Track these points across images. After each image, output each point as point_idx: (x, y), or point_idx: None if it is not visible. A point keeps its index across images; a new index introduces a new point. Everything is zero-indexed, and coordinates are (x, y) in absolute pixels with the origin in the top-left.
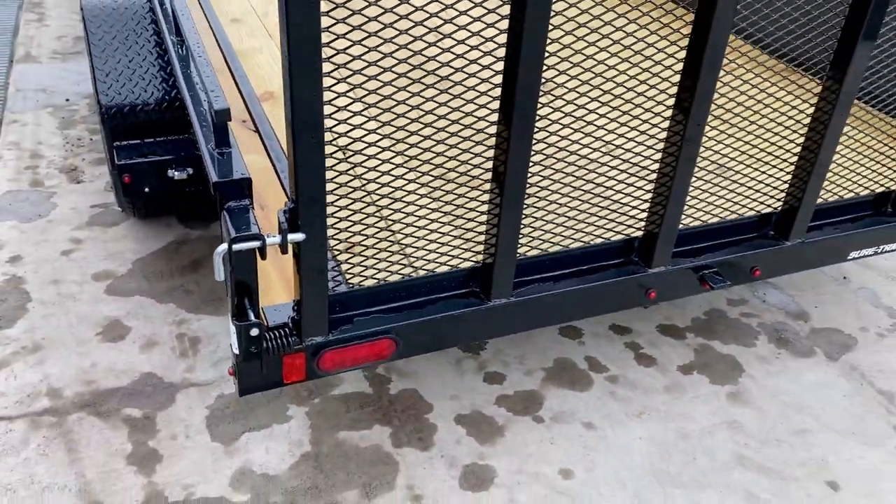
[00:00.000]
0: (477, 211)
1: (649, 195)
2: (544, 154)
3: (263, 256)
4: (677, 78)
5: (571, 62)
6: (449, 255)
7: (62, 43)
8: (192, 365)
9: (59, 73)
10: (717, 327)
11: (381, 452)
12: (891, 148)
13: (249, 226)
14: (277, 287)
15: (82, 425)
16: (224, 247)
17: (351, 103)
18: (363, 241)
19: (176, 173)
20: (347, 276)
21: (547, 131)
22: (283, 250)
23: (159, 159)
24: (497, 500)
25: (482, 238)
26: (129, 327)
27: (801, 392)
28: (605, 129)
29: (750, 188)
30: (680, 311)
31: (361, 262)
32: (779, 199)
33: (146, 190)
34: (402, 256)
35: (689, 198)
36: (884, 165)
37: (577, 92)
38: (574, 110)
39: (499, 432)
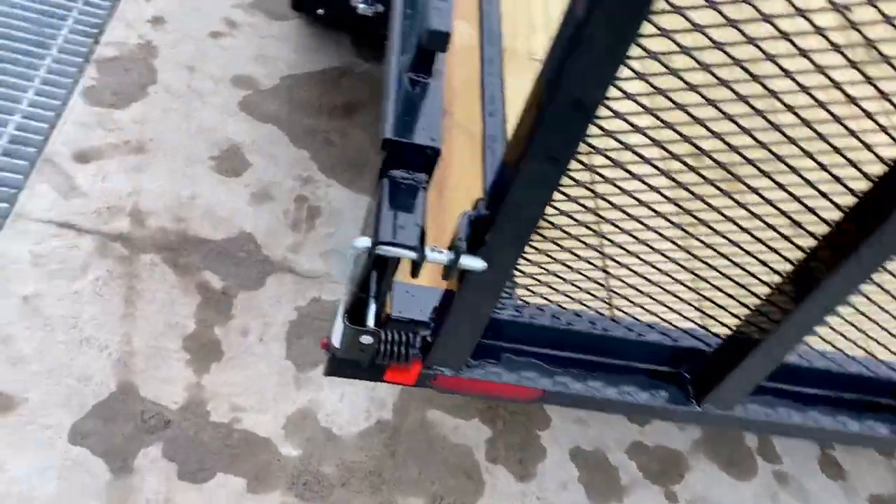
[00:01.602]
0: (744, 269)
1: None
2: None
3: (415, 274)
4: None
5: None
6: (661, 308)
7: None
8: (300, 243)
9: None
10: None
11: (468, 460)
12: None
13: (411, 224)
14: None
15: (153, 274)
16: (365, 243)
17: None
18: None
19: (361, 5)
20: (520, 293)
21: None
22: (446, 275)
23: None
24: None
25: (732, 311)
26: (248, 163)
27: None
28: None
29: None
30: None
31: (541, 274)
32: None
33: (319, 11)
34: (601, 287)
35: None
36: None
37: None
38: None
39: (617, 494)
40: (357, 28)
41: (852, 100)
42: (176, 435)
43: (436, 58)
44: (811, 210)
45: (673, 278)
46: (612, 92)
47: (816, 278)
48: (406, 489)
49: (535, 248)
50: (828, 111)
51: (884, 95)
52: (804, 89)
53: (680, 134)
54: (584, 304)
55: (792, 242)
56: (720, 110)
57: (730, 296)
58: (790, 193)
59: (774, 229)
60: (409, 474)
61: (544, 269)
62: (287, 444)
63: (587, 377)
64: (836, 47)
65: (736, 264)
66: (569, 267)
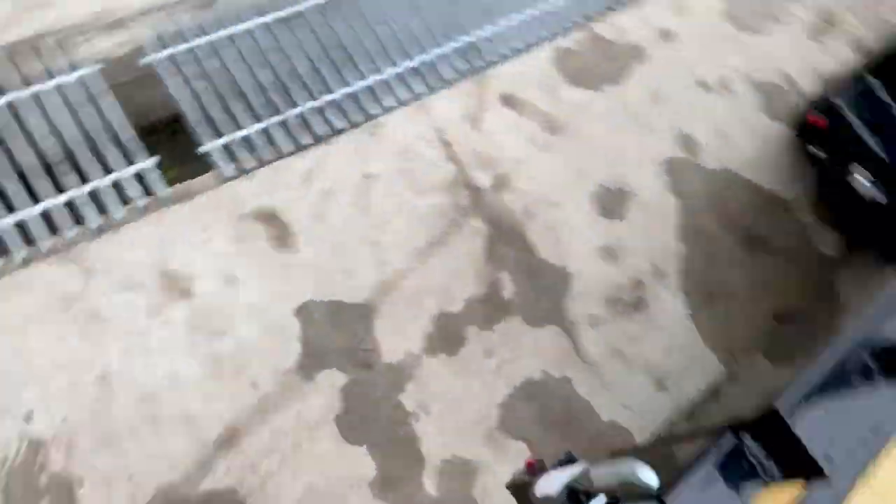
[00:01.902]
0: None
1: None
2: None
3: None
4: None
5: None
6: None
7: None
8: (602, 320)
9: None
10: None
11: None
12: None
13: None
14: None
15: (469, 239)
16: (652, 482)
17: None
18: None
19: (860, 180)
20: None
21: None
22: None
23: (862, 146)
24: None
25: None
26: (624, 214)
27: None
28: None
29: None
30: None
31: None
32: None
33: (813, 148)
34: None
35: None
36: None
37: None
38: None
39: None
40: (837, 192)
41: None
42: (366, 382)
43: None
44: None
45: None
46: None
47: None
48: None
49: None
50: None
51: None
52: None
53: None
54: None
55: None
56: None
57: None
58: None
59: None
60: None
61: None
62: (433, 478)
63: None
64: None
65: None
66: None
